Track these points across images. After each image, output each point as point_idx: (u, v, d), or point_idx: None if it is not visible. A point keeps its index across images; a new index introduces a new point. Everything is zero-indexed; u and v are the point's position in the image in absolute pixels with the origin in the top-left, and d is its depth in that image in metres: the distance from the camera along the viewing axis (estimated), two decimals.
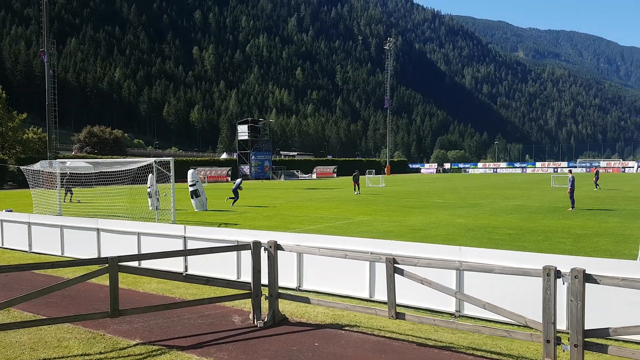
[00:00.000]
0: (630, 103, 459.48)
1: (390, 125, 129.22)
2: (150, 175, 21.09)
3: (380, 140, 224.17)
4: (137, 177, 21.31)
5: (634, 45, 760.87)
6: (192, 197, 24.33)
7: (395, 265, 6.06)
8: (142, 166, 19.80)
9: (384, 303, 6.43)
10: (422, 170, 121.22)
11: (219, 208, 25.15)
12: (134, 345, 6.16)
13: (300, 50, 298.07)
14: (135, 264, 9.75)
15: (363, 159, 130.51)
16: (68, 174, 26.40)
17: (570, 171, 24.91)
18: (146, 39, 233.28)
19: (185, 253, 9.51)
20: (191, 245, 9.90)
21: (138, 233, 10.81)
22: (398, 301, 6.27)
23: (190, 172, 25.02)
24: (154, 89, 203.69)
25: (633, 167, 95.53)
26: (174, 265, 9.88)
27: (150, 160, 19.42)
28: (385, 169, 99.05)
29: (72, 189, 28.61)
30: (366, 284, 7.96)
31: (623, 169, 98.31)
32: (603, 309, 5.92)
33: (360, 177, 40.32)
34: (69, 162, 27.05)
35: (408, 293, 7.12)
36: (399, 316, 6.13)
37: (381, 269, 6.88)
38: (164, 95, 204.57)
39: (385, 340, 6.31)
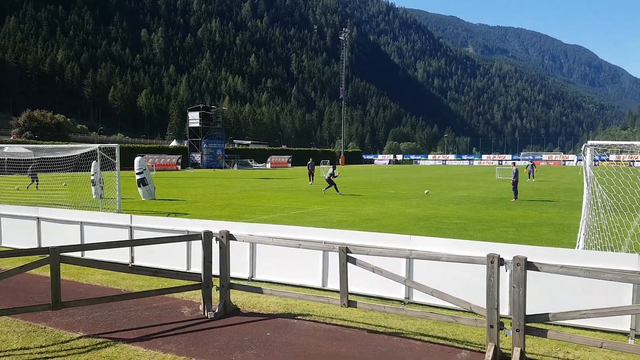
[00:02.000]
0: (571, 99, 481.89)
1: (345, 116, 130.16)
2: (94, 162, 20.24)
3: (335, 131, 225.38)
4: (80, 164, 20.42)
5: (577, 44, 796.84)
6: (139, 186, 23.65)
7: (348, 254, 6.13)
8: (86, 153, 18.98)
9: (337, 292, 6.51)
10: (375, 162, 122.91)
11: (168, 197, 24.65)
12: (77, 338, 5.96)
13: (254, 36, 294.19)
14: (78, 254, 9.40)
15: (318, 149, 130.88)
16: (33, 161, 25.03)
17: (514, 164, 25.86)
18: (91, 20, 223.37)
19: (131, 243, 9.24)
20: (138, 235, 9.62)
21: (81, 222, 10.42)
22: (350, 289, 6.36)
23: (137, 159, 24.31)
24: (99, 72, 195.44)
25: (573, 161, 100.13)
26: (120, 256, 9.58)
27: (95, 146, 18.62)
28: (340, 160, 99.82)
29: (37, 175, 27.15)
30: (319, 273, 8.02)
31: (564, 162, 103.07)
32: (543, 295, 6.20)
33: (315, 167, 40.43)
34: (7, 148, 25.69)
35: (360, 281, 7.23)
36: (351, 304, 6.22)
37: (334, 258, 6.95)
38: (109, 79, 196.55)
39: (337, 328, 6.40)
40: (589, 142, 8.47)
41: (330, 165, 26.74)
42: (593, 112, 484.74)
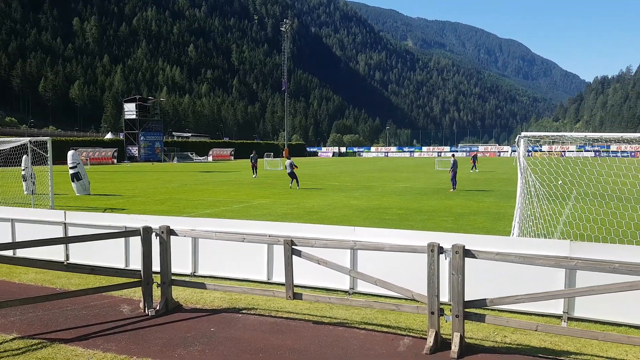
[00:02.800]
0: (506, 92, 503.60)
1: (288, 109, 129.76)
2: (24, 156, 19.27)
3: (279, 123, 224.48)
4: (10, 158, 19.36)
5: (511, 38, 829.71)
6: (73, 181, 22.71)
7: (293, 247, 6.12)
8: (15, 146, 18.03)
9: (282, 285, 6.49)
10: (319, 154, 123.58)
11: (103, 192, 23.73)
12: (11, 339, 5.67)
13: (192, 26, 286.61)
14: (9, 252, 8.96)
15: (261, 141, 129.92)
16: None
17: (453, 155, 26.72)
18: (19, 8, 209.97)
19: (66, 241, 8.86)
20: (73, 232, 9.24)
21: (12, 220, 9.96)
22: (296, 282, 6.36)
23: (70, 153, 23.39)
24: (28, 62, 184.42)
25: (507, 152, 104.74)
26: (54, 254, 9.21)
27: (25, 140, 17.77)
28: (284, 152, 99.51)
29: None
30: (264, 267, 7.97)
31: (499, 153, 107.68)
32: (481, 282, 6.44)
33: (259, 159, 40.09)
34: None
35: (305, 274, 7.25)
36: (296, 296, 6.22)
37: (279, 251, 6.92)
38: (40, 70, 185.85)
39: (283, 320, 6.39)
40: (523, 134, 8.79)
41: (288, 158, 25.55)
42: (526, 104, 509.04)
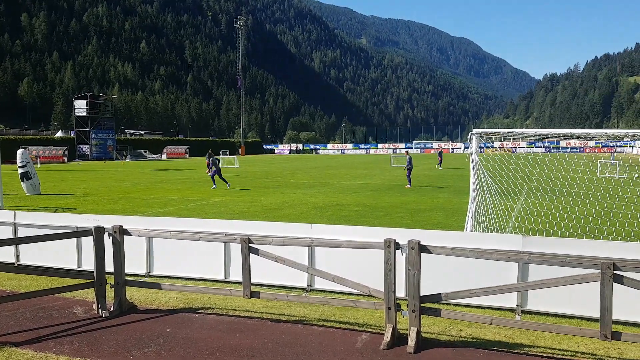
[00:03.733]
0: (458, 90, 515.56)
1: (244, 106, 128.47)
2: None
3: (234, 121, 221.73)
4: None
5: (463, 36, 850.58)
6: (23, 180, 21.92)
7: (250, 245, 6.10)
8: None
9: (240, 283, 6.45)
10: (276, 151, 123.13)
11: (54, 192, 22.89)
12: None
13: (144, 22, 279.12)
14: None
15: (217, 139, 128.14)
16: None
17: (407, 152, 27.16)
18: None
19: (16, 241, 8.53)
20: (23, 232, 8.93)
21: None
22: (253, 280, 6.35)
23: (19, 152, 22.63)
24: None
25: (460, 148, 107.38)
26: (4, 255, 8.92)
27: None
28: (240, 150, 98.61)
29: None
30: (221, 266, 7.90)
31: (452, 150, 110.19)
32: (437, 277, 6.55)
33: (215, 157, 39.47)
34: None
35: (263, 272, 7.24)
36: (254, 295, 6.20)
37: (236, 249, 6.87)
38: None
39: (240, 319, 6.36)
40: (475, 131, 8.97)
41: (215, 156, 23.40)
42: (478, 101, 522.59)
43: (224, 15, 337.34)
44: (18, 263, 8.98)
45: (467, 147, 9.42)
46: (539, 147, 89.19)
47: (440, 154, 44.65)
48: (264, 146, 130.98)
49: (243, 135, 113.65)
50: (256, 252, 6.14)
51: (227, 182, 23.96)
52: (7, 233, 9.03)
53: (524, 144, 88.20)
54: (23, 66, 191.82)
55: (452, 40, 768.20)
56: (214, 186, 24.10)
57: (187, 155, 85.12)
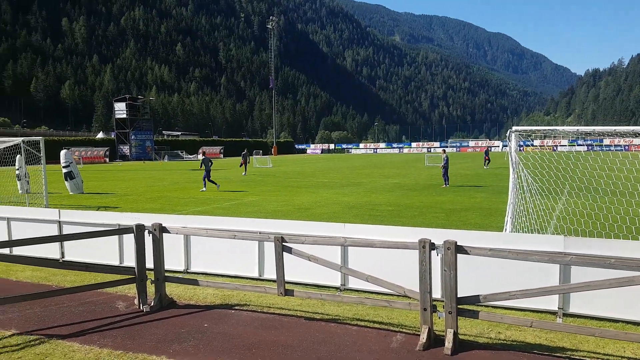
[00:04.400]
0: (496, 86, 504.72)
1: (276, 106, 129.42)
2: (18, 156, 19.43)
3: (267, 121, 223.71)
4: (4, 158, 19.42)
5: (500, 32, 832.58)
6: (67, 180, 22.71)
7: (283, 243, 6.17)
8: (9, 146, 18.09)
9: (274, 281, 6.54)
10: (308, 151, 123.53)
11: (97, 191, 23.62)
12: (10, 336, 5.74)
13: (180, 25, 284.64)
14: (6, 251, 9.00)
15: (250, 139, 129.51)
16: None
17: (444, 151, 26.69)
18: (9, 9, 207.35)
19: (61, 238, 8.90)
20: (67, 230, 9.27)
21: (8, 218, 10.02)
22: (287, 279, 6.41)
23: (63, 152, 23.43)
24: (19, 63, 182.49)
25: (499, 146, 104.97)
26: (50, 251, 9.28)
27: (18, 140, 17.77)
28: (273, 150, 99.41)
29: None
30: (255, 264, 8.02)
31: (490, 148, 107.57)
32: (474, 278, 6.44)
33: (249, 157, 40.04)
34: None
35: (296, 270, 7.30)
36: (288, 293, 6.28)
37: (270, 248, 6.97)
38: (30, 70, 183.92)
39: (275, 316, 6.45)
40: (514, 128, 8.72)
41: (202, 156, 22.13)
42: (517, 98, 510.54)
43: (257, 17, 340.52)
44: (63, 259, 9.32)
45: (506, 146, 9.20)
46: (582, 145, 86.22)
47: (487, 152, 42.49)
48: (296, 146, 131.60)
49: (275, 136, 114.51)
50: (289, 250, 6.21)
51: (216, 184, 23.26)
52: (52, 230, 9.40)
53: (565, 141, 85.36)
54: (65, 69, 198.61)
55: (489, 35, 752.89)
56: (203, 189, 23.19)
57: (222, 155, 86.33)
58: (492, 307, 6.46)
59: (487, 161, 40.74)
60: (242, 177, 32.86)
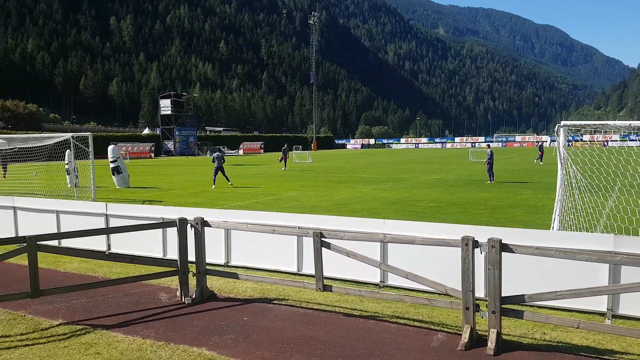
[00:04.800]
0: (544, 79, 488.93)
1: (316, 101, 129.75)
2: (67, 151, 20.15)
3: (307, 116, 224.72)
4: (54, 153, 20.22)
5: (548, 24, 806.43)
6: (114, 174, 23.44)
7: (322, 239, 6.15)
8: (59, 142, 18.83)
9: (312, 276, 6.54)
10: (347, 146, 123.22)
11: (142, 185, 24.31)
12: (57, 325, 5.95)
13: (223, 22, 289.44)
14: (55, 243, 9.37)
15: (290, 134, 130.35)
16: (2, 150, 24.59)
17: (488, 146, 25.95)
18: (60, 9, 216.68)
19: (108, 231, 9.19)
20: (114, 223, 9.56)
21: (57, 211, 10.36)
22: (325, 274, 6.40)
23: (110, 147, 24.12)
24: (69, 61, 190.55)
25: (547, 142, 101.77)
26: (96, 243, 9.58)
27: (68, 135, 18.47)
28: (312, 145, 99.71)
29: (7, 165, 26.68)
30: (294, 258, 8.05)
31: (537, 143, 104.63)
32: (519, 277, 6.27)
33: (289, 152, 40.38)
34: None
35: (335, 266, 7.28)
36: (326, 288, 6.26)
37: (309, 243, 6.97)
38: (80, 68, 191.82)
39: (313, 312, 6.45)
40: (562, 123, 8.44)
41: (218, 152, 21.47)
42: (566, 92, 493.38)
43: (298, 12, 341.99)
44: (109, 251, 9.60)
45: (554, 140, 8.89)
46: (634, 140, 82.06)
47: (540, 147, 40.69)
48: (336, 141, 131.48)
49: (315, 131, 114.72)
50: (328, 246, 6.19)
51: (214, 184, 22.77)
52: (99, 223, 9.71)
53: (616, 137, 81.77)
54: (112, 67, 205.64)
55: (537, 27, 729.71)
56: (213, 186, 22.75)
57: (262, 150, 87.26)
58: (537, 307, 6.28)
59: (540, 156, 39.16)
60: (281, 172, 33.12)
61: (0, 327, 5.85)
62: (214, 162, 23.16)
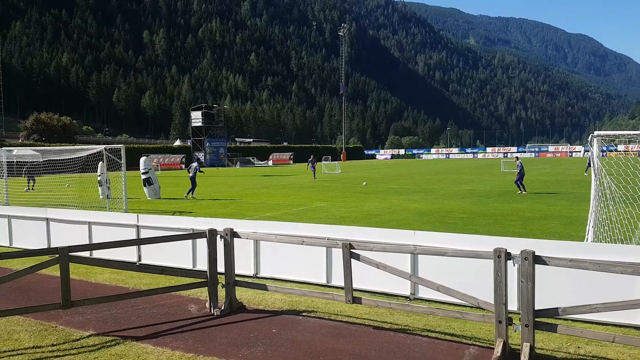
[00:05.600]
0: (577, 89, 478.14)
1: (346, 112, 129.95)
2: (100, 163, 20.56)
3: (336, 127, 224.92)
4: (87, 165, 20.69)
5: (581, 33, 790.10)
6: (145, 185, 23.80)
7: (351, 250, 6.10)
8: (92, 154, 19.26)
9: (341, 288, 6.48)
10: (377, 157, 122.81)
11: (172, 196, 24.66)
12: (88, 336, 6.01)
13: (254, 35, 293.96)
14: (86, 254, 9.48)
15: (319, 145, 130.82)
16: (29, 162, 25.50)
17: (517, 158, 24.99)
18: (94, 23, 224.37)
19: (138, 242, 9.30)
20: (145, 234, 9.68)
21: (89, 222, 10.54)
22: (355, 286, 6.33)
23: (142, 159, 24.53)
24: (103, 74, 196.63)
25: (580, 152, 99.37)
26: (127, 254, 9.68)
27: (100, 147, 18.90)
28: (342, 156, 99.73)
29: (34, 177, 27.60)
30: (323, 270, 7.99)
31: (570, 154, 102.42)
32: (552, 290, 6.11)
33: (317, 163, 40.49)
34: (16, 150, 25.95)
35: (365, 278, 7.19)
36: (356, 300, 6.19)
37: (338, 254, 6.92)
38: (113, 81, 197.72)
39: (343, 324, 6.37)
40: (596, 133, 8.28)
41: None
42: (599, 101, 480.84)
43: (328, 24, 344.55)
44: (140, 262, 9.68)
45: (587, 151, 8.72)
46: None
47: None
48: (365, 152, 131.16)
49: (344, 141, 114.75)
50: (357, 257, 6.12)
51: (188, 194, 22.98)
52: (131, 234, 9.85)
53: None
54: (145, 80, 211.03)
55: (569, 37, 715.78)
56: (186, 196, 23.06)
57: (291, 161, 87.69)
58: (571, 320, 6.14)
59: (588, 166, 38.00)
60: (311, 183, 33.16)
61: (32, 338, 5.93)
62: (189, 172, 23.32)
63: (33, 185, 27.30)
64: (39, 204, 18.87)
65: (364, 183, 23.81)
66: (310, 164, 37.68)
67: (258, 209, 18.72)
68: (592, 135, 8.28)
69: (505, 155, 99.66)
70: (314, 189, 28.29)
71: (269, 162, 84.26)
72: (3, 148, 23.55)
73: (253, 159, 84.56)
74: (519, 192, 22.89)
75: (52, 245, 10.74)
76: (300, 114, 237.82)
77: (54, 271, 7.76)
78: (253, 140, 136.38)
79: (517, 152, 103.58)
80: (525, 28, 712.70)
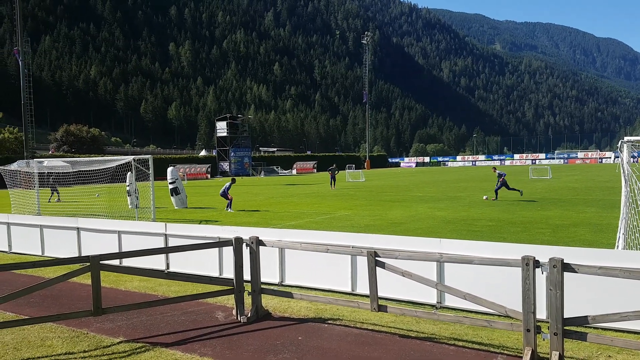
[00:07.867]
0: (606, 94, 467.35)
1: (370, 120, 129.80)
2: (129, 173, 20.99)
3: (360, 135, 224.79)
4: (116, 175, 21.14)
5: (610, 37, 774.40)
6: (172, 195, 24.18)
7: (376, 258, 6.10)
8: (121, 164, 19.69)
9: (366, 296, 6.48)
10: (401, 165, 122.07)
11: (199, 205, 24.98)
12: (118, 343, 6.15)
13: (277, 45, 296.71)
14: (116, 262, 9.68)
15: (343, 153, 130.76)
16: (53, 174, 26.18)
17: (494, 169, 27.01)
18: (121, 36, 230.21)
19: (166, 250, 9.46)
20: (172, 242, 9.85)
21: (118, 231, 10.78)
22: (380, 294, 6.32)
23: (169, 169, 24.92)
24: (130, 86, 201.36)
25: (610, 158, 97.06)
26: (156, 263, 9.87)
27: (129, 158, 19.31)
28: (365, 164, 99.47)
29: (57, 188, 28.34)
30: (348, 278, 8.00)
31: (600, 160, 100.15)
32: (582, 298, 6.02)
33: (340, 172, 40.37)
34: (47, 162, 26.67)
35: (390, 286, 7.17)
36: (381, 309, 6.18)
37: (363, 262, 6.92)
38: (140, 93, 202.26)
39: (368, 332, 6.37)
40: (626, 138, 8.14)
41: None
42: (630, 106, 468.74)
43: (352, 33, 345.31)
44: (168, 270, 9.85)
45: (618, 157, 8.55)
46: None
47: None
48: (390, 160, 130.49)
49: (368, 149, 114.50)
50: (382, 265, 6.12)
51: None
52: (159, 243, 10.04)
53: None
54: (171, 92, 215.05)
55: (598, 41, 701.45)
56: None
57: (315, 170, 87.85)
58: (601, 329, 6.02)
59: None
60: (334, 192, 33.17)
61: (65, 345, 6.08)
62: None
63: (58, 197, 27.87)
64: (69, 213, 19.33)
65: (484, 197, 22.92)
66: (331, 172, 37.35)
67: (283, 217, 18.82)
68: (621, 141, 8.14)
69: (534, 162, 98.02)
70: (338, 197, 28.29)
71: (293, 171, 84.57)
72: (34, 159, 24.26)
73: (277, 168, 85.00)
74: (494, 198, 23.44)
75: (83, 254, 10.97)
76: (324, 122, 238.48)
77: (85, 279, 7.96)
78: (277, 150, 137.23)
79: (546, 158, 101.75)
80: (553, 33, 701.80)
